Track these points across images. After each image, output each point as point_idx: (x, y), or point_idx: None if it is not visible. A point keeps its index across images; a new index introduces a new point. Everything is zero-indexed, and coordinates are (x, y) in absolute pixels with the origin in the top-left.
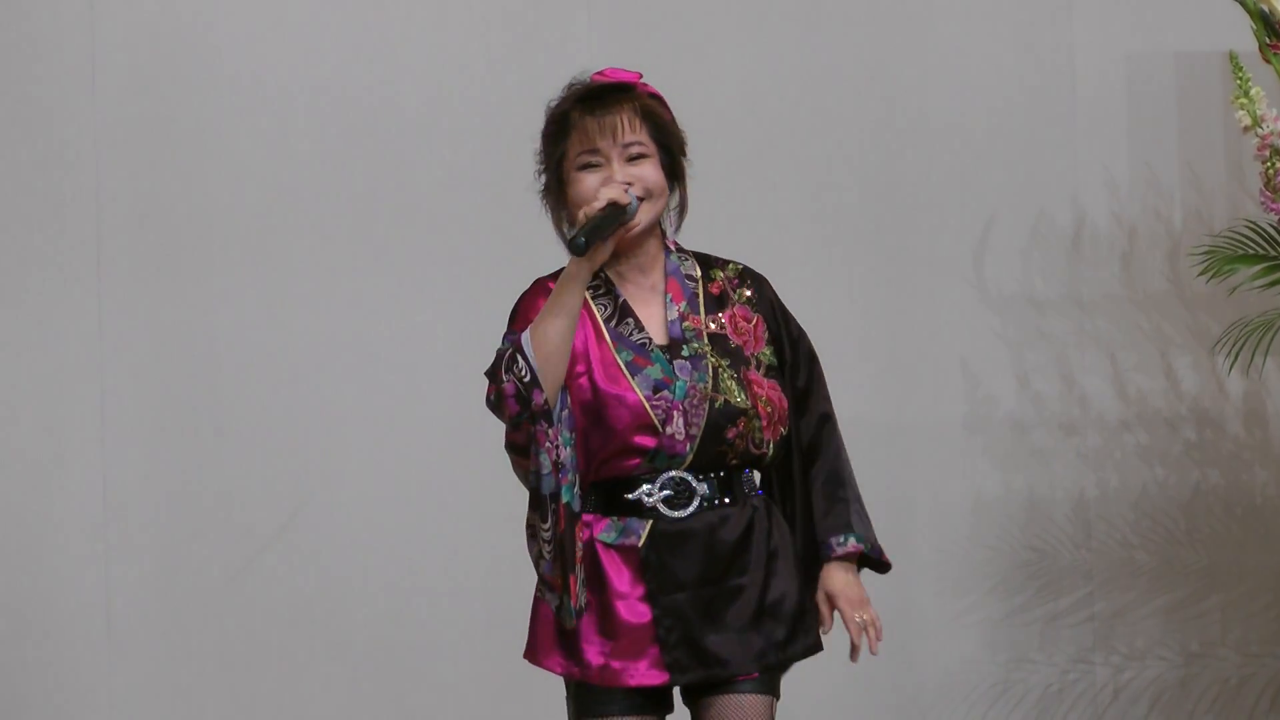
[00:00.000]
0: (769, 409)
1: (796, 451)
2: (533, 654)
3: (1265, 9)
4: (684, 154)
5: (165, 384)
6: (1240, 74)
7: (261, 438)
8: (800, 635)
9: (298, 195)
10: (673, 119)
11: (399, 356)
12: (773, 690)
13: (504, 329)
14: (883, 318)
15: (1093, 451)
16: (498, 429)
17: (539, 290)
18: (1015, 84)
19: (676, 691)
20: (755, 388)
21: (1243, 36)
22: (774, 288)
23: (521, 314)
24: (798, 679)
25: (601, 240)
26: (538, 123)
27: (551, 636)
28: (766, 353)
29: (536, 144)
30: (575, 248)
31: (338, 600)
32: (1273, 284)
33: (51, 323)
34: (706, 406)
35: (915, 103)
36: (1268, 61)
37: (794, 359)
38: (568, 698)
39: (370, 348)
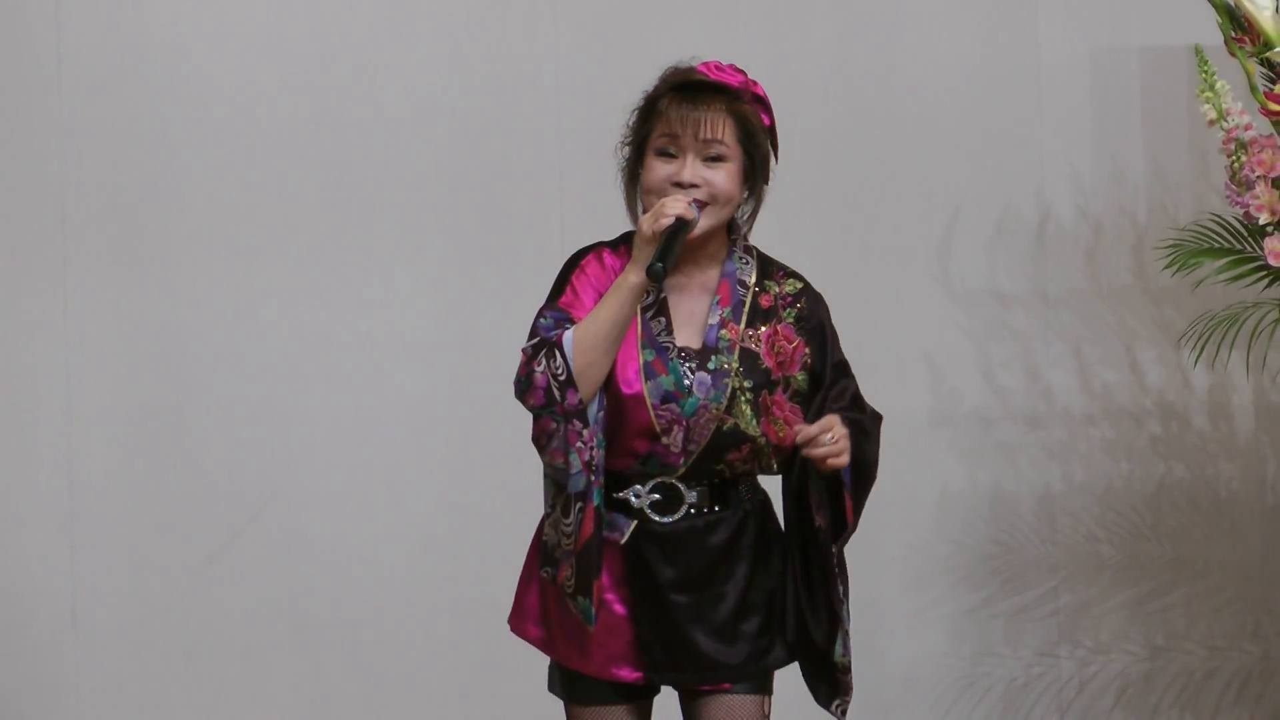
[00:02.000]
0: (782, 435)
1: None
2: (517, 621)
3: (1230, 2)
4: (774, 161)
5: (131, 378)
6: (1205, 68)
7: (227, 431)
8: (789, 639)
9: (263, 189)
10: (770, 125)
11: (365, 350)
12: (764, 689)
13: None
14: (847, 312)
15: (1058, 445)
16: (466, 424)
17: (593, 259)
18: (981, 78)
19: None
20: (775, 410)
21: (1208, 30)
22: (829, 308)
23: (570, 285)
24: (782, 679)
25: (675, 256)
26: (504, 116)
27: (538, 609)
28: (799, 378)
29: (629, 117)
30: (655, 274)
31: (304, 594)
32: (1238, 277)
33: (17, 316)
34: (713, 428)
35: (880, 96)
36: (1233, 55)
37: (833, 382)
38: (550, 671)
39: (336, 341)
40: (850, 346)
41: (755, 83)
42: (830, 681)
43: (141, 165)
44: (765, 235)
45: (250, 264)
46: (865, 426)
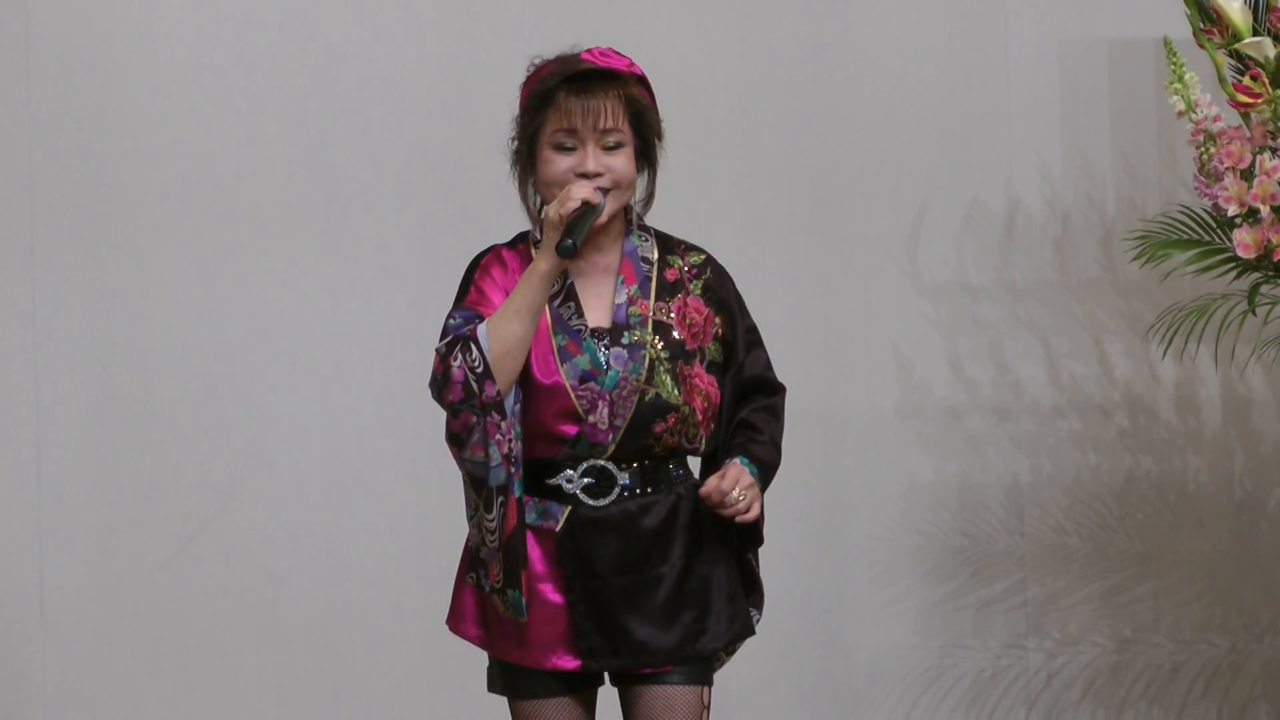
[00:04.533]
0: (705, 404)
1: (734, 420)
2: (455, 622)
3: None
4: (660, 140)
5: (99, 369)
6: (1174, 59)
7: (195, 422)
8: (725, 624)
9: (231, 180)
10: (654, 105)
11: (332, 342)
12: (703, 679)
13: (448, 307)
14: (816, 303)
15: (1026, 438)
16: (430, 414)
17: (493, 259)
18: (949, 70)
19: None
20: (696, 381)
21: (1176, 23)
22: (733, 279)
23: (475, 285)
24: (729, 665)
25: (583, 235)
26: (472, 109)
27: (474, 607)
28: (713, 348)
29: (514, 111)
30: (565, 250)
31: (272, 584)
32: (1206, 269)
33: None
34: (636, 399)
35: (849, 88)
36: (1202, 47)
37: (746, 356)
38: (490, 671)
39: (303, 333)
40: (818, 338)
41: (635, 65)
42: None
43: (109, 156)
44: (731, 225)
45: (219, 255)
46: (777, 409)
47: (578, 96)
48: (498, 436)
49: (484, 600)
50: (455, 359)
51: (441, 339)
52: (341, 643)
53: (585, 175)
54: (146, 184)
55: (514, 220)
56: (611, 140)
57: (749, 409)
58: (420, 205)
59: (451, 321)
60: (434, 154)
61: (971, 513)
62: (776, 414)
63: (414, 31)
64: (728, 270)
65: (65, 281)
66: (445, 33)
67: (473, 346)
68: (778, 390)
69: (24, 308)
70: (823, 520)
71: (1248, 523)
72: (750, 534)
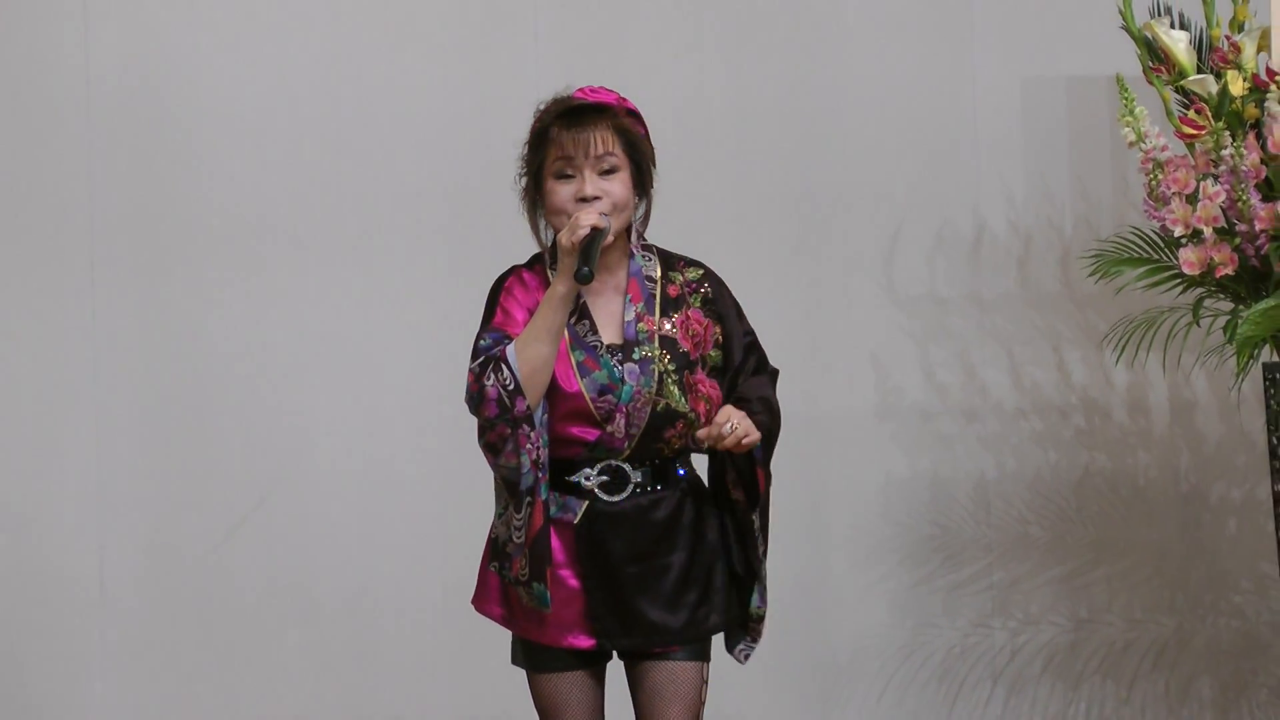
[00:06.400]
0: (707, 406)
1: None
2: (480, 602)
3: (1149, 36)
4: (653, 166)
5: (153, 375)
6: (1126, 95)
7: (240, 423)
8: (728, 607)
9: (275, 204)
10: (646, 134)
11: (365, 350)
12: (703, 656)
13: (470, 317)
14: (801, 315)
15: (992, 437)
16: (452, 417)
17: (515, 280)
18: (923, 105)
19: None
20: (700, 387)
21: (1128, 61)
22: (729, 286)
23: (500, 306)
24: (717, 645)
25: (596, 260)
26: (491, 137)
27: (498, 588)
28: (713, 355)
29: (521, 150)
30: (584, 278)
31: (309, 570)
32: (1155, 284)
33: (50, 320)
34: (649, 409)
35: (832, 121)
36: (1151, 84)
37: (744, 359)
38: (513, 646)
39: (339, 341)
40: (803, 347)
41: (626, 99)
42: (743, 627)
43: (163, 182)
44: (725, 244)
45: (261, 271)
46: (765, 381)
47: (570, 129)
48: (528, 446)
49: (507, 583)
50: (489, 378)
51: (474, 359)
52: (371, 623)
53: (584, 199)
54: (195, 209)
55: (527, 238)
56: (606, 165)
57: (741, 387)
58: (444, 226)
59: (482, 343)
60: (456, 179)
61: (942, 505)
62: (765, 384)
63: (438, 69)
64: (724, 280)
65: (122, 294)
66: (466, 71)
67: (503, 367)
68: (769, 371)
69: (85, 317)
70: (807, 512)
71: (1192, 514)
72: (752, 486)
